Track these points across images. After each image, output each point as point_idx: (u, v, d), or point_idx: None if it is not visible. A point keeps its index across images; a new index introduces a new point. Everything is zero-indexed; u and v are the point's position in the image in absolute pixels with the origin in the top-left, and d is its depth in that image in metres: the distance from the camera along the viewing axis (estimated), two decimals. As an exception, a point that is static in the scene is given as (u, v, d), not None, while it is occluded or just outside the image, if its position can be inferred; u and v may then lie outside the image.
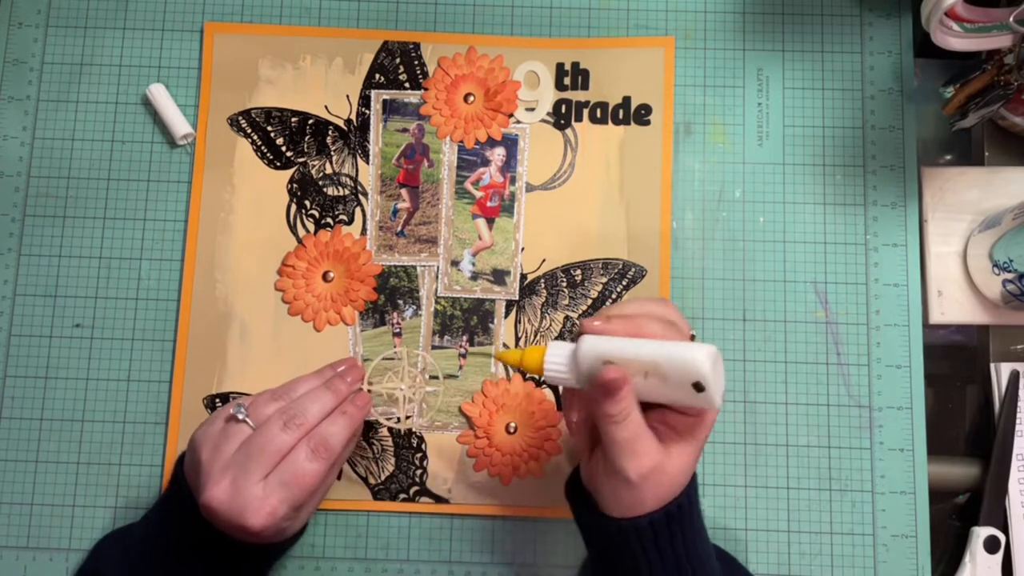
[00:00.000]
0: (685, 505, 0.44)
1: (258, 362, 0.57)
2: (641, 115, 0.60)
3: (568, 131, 0.60)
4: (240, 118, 0.60)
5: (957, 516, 0.58)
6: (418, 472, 0.56)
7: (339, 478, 0.56)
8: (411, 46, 0.61)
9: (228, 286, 0.58)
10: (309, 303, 0.58)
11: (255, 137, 0.60)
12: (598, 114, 0.60)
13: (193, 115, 0.60)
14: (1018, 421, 0.57)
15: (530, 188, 0.59)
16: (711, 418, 0.44)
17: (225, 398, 0.57)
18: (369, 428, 0.57)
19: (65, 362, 0.58)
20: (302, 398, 0.49)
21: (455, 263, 0.59)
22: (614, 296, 0.58)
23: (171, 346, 0.58)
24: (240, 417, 0.48)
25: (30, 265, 0.59)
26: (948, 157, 0.62)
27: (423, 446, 0.57)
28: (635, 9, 0.61)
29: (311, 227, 0.59)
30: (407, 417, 0.57)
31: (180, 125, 0.59)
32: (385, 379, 0.56)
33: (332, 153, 0.60)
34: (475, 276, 0.59)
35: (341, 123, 0.60)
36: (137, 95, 0.61)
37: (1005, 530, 0.55)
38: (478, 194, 0.59)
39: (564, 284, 0.58)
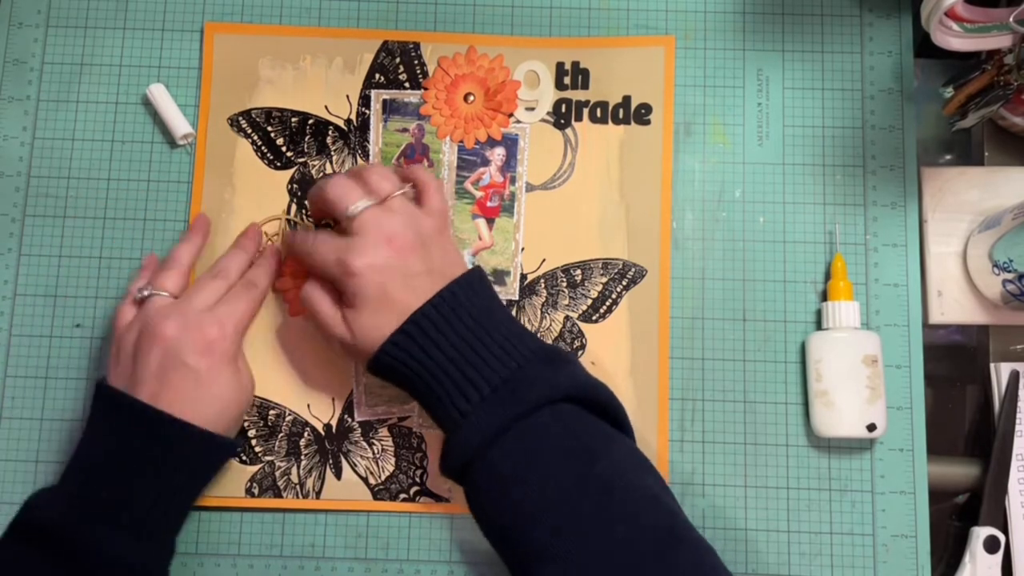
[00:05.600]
0: (457, 292, 0.49)
1: (258, 362, 0.57)
2: (641, 115, 0.60)
3: (568, 131, 0.60)
4: (240, 118, 0.60)
5: (957, 516, 0.58)
6: (418, 472, 0.56)
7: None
8: (411, 46, 0.61)
9: (228, 286, 0.58)
10: (309, 303, 0.58)
11: (255, 137, 0.60)
12: (598, 114, 0.60)
13: (193, 115, 0.60)
14: (1018, 421, 0.57)
15: (530, 188, 0.59)
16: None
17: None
18: (369, 428, 0.57)
19: (65, 362, 0.58)
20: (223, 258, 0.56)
21: (455, 263, 0.59)
22: (614, 296, 0.58)
23: (171, 346, 0.58)
24: (147, 293, 0.52)
25: (30, 265, 0.59)
26: (948, 157, 0.62)
27: (423, 446, 0.57)
28: (635, 9, 0.61)
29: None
30: (407, 417, 0.57)
31: (180, 125, 0.59)
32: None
33: (332, 153, 0.60)
34: (475, 276, 0.58)
35: (341, 123, 0.60)
36: (137, 95, 0.61)
37: (1005, 530, 0.55)
38: (478, 194, 0.59)
39: (564, 284, 0.58)
